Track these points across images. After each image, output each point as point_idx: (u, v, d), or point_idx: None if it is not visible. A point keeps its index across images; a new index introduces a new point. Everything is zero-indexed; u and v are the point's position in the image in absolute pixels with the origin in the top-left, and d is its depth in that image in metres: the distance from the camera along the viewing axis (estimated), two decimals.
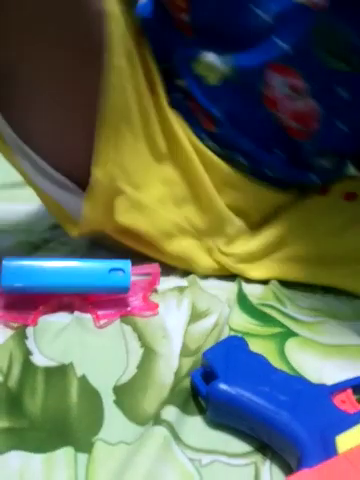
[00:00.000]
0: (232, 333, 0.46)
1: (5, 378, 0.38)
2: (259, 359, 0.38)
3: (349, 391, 0.36)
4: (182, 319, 0.47)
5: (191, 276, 0.55)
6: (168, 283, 0.53)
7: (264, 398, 0.35)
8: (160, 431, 0.34)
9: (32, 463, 0.33)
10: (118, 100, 0.47)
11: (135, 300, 0.47)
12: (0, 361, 0.40)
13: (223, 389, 0.35)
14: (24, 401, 0.37)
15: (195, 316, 0.48)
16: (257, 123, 0.53)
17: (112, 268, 0.44)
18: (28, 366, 0.40)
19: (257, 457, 0.34)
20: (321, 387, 0.37)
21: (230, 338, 0.41)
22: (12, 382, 0.38)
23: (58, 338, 0.43)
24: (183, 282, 0.54)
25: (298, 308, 0.51)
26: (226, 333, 0.46)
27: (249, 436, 0.35)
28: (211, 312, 0.49)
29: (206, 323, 0.48)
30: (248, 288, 0.54)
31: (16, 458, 0.33)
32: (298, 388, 0.36)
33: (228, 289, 0.54)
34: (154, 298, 0.50)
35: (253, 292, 0.53)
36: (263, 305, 0.50)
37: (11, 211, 0.71)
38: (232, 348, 0.39)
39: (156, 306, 0.47)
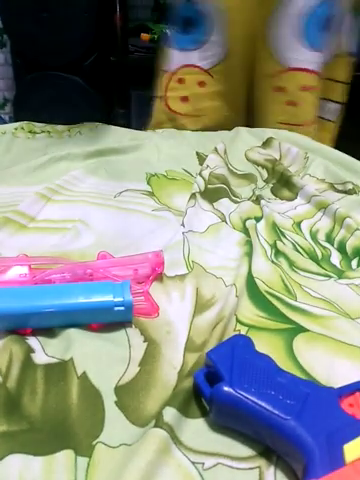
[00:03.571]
0: (239, 326, 0.44)
1: (4, 379, 0.37)
2: (265, 360, 0.37)
3: (357, 394, 0.35)
4: (186, 311, 0.46)
5: (192, 261, 0.53)
6: (169, 271, 0.51)
7: (270, 402, 0.33)
8: (159, 433, 0.33)
9: (32, 466, 0.32)
10: None
11: (138, 296, 0.45)
12: None
13: (227, 392, 0.34)
14: (23, 402, 0.36)
15: (200, 306, 0.47)
16: None
17: (115, 304, 0.42)
18: (28, 365, 0.39)
19: (261, 461, 0.34)
20: (329, 390, 0.35)
21: (235, 337, 0.39)
22: (11, 382, 0.37)
23: (59, 333, 0.42)
24: (183, 270, 0.52)
25: (310, 298, 0.49)
26: (233, 326, 0.44)
27: (253, 439, 0.34)
28: (216, 301, 0.48)
29: (211, 314, 0.46)
30: (255, 269, 0.52)
31: (16, 461, 0.32)
32: (305, 391, 0.34)
33: (234, 270, 0.53)
34: (157, 290, 0.48)
35: (261, 276, 0.52)
36: (272, 295, 0.49)
37: None
38: (237, 348, 0.37)
39: (157, 309, 0.46)
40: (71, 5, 1.38)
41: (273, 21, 0.89)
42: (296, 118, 0.97)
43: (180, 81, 0.99)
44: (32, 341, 0.41)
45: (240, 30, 0.91)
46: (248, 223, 0.62)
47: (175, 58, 0.97)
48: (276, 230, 0.61)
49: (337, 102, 1.02)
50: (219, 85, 0.98)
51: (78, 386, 0.38)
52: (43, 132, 0.91)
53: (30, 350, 0.40)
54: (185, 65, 0.97)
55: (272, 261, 0.55)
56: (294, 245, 0.59)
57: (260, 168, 0.81)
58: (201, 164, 0.78)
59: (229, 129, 0.97)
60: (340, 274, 0.54)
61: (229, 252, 0.56)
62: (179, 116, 1.02)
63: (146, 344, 0.42)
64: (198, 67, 0.97)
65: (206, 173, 0.73)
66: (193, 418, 0.36)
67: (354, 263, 0.56)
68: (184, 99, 1.01)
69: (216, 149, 0.82)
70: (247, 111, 1.03)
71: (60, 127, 0.93)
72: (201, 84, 0.98)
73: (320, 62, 0.92)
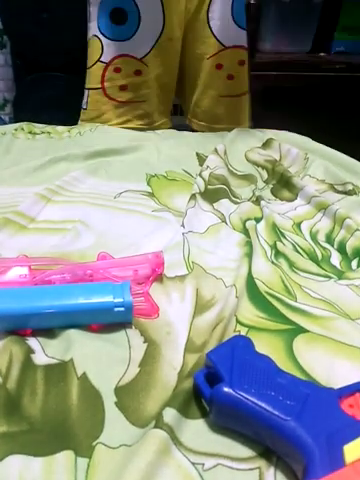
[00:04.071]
0: (239, 327, 0.44)
1: (4, 379, 0.37)
2: (265, 361, 0.37)
3: (357, 395, 0.35)
4: (186, 312, 0.46)
5: (192, 262, 0.53)
6: (169, 272, 0.51)
7: (270, 403, 0.33)
8: (159, 434, 0.33)
9: (32, 467, 0.32)
10: None
11: (138, 297, 0.45)
12: None
13: (227, 393, 0.34)
14: (23, 403, 0.36)
15: (200, 307, 0.47)
16: None
17: (115, 305, 0.42)
18: (28, 366, 0.39)
19: (261, 462, 0.34)
20: (329, 391, 0.36)
21: (235, 338, 0.39)
22: (11, 383, 0.37)
23: (59, 333, 0.42)
24: (183, 270, 0.52)
25: (310, 299, 0.49)
26: (233, 327, 0.44)
27: (253, 440, 0.34)
28: (216, 301, 0.48)
29: (211, 315, 0.46)
30: (255, 270, 0.52)
31: (16, 462, 0.32)
32: (305, 392, 0.34)
33: (234, 270, 0.53)
34: (157, 291, 0.48)
35: (261, 277, 0.52)
36: (272, 296, 0.49)
37: None
38: (237, 349, 0.37)
39: (157, 310, 0.46)
40: (71, 5, 1.38)
41: (210, 7, 1.00)
42: (235, 90, 1.10)
43: (117, 70, 1.03)
44: (32, 342, 0.41)
45: (177, 16, 0.99)
46: (248, 224, 0.62)
47: (109, 49, 1.01)
48: (276, 231, 0.61)
49: None
50: (154, 71, 1.04)
51: (78, 387, 0.38)
52: (43, 133, 0.91)
53: (30, 351, 0.40)
54: (119, 55, 1.01)
55: (272, 262, 0.55)
56: (294, 246, 0.59)
57: (260, 169, 0.81)
58: (201, 165, 0.78)
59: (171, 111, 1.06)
60: (340, 275, 0.54)
61: (229, 253, 0.56)
62: (121, 104, 1.06)
63: (146, 345, 0.42)
64: (132, 57, 1.01)
65: (206, 174, 0.73)
66: (193, 419, 0.36)
67: (354, 264, 0.56)
68: (123, 87, 1.05)
69: (216, 150, 0.82)
70: (181, 90, 1.14)
71: (60, 128, 0.93)
72: (137, 73, 1.03)
73: (246, 38, 1.06)
